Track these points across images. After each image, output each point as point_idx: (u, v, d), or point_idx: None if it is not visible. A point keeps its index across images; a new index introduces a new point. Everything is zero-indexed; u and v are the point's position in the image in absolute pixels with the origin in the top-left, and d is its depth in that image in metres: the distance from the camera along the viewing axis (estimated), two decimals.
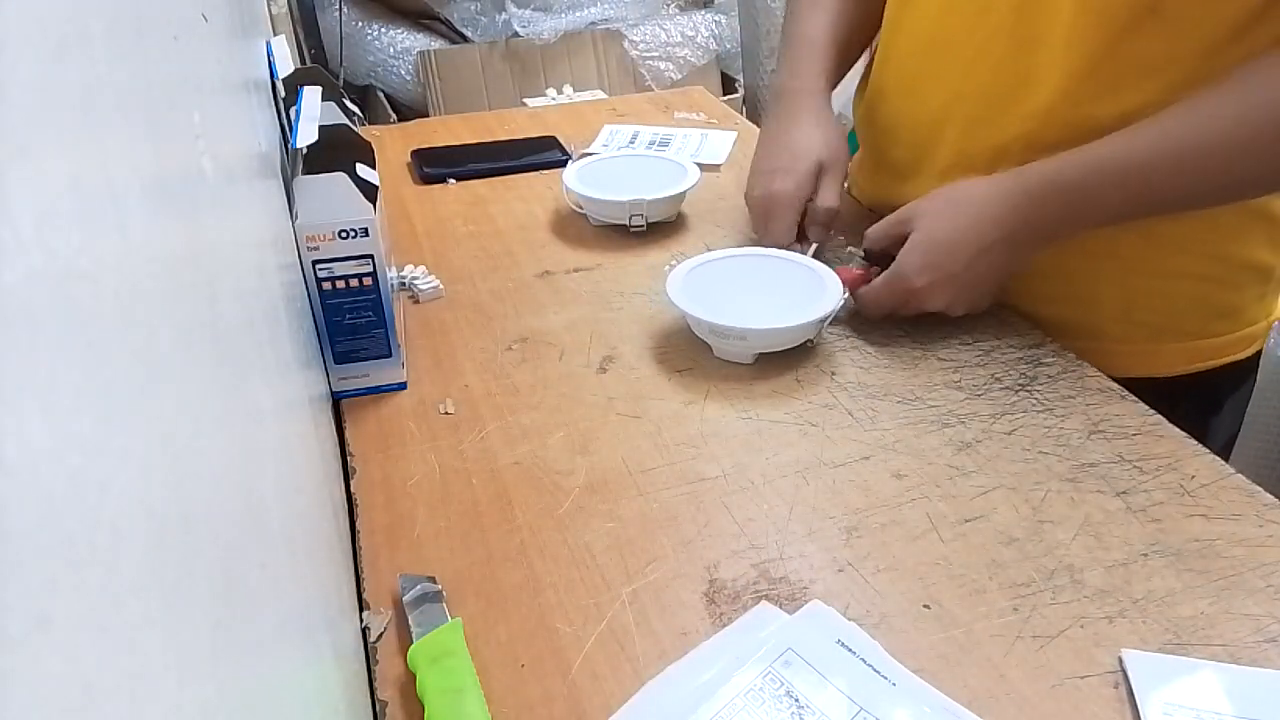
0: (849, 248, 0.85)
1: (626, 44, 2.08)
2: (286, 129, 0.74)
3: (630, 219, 0.92)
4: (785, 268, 0.77)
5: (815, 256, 0.80)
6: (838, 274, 0.75)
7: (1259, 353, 0.81)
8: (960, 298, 0.72)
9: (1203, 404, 0.79)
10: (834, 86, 0.87)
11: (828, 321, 0.72)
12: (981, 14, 0.72)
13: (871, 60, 0.89)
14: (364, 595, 0.54)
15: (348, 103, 1.44)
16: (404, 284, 0.83)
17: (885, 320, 0.77)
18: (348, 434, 0.67)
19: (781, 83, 0.87)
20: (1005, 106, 0.72)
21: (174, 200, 0.28)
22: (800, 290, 0.74)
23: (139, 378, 0.22)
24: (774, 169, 0.82)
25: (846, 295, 0.74)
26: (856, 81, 0.95)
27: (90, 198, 0.20)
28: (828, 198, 0.81)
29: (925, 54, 0.79)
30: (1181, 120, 0.63)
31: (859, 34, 0.89)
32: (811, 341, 0.73)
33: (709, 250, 0.80)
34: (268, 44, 0.79)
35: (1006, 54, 0.71)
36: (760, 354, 0.72)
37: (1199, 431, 0.64)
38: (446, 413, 0.68)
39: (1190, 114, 0.63)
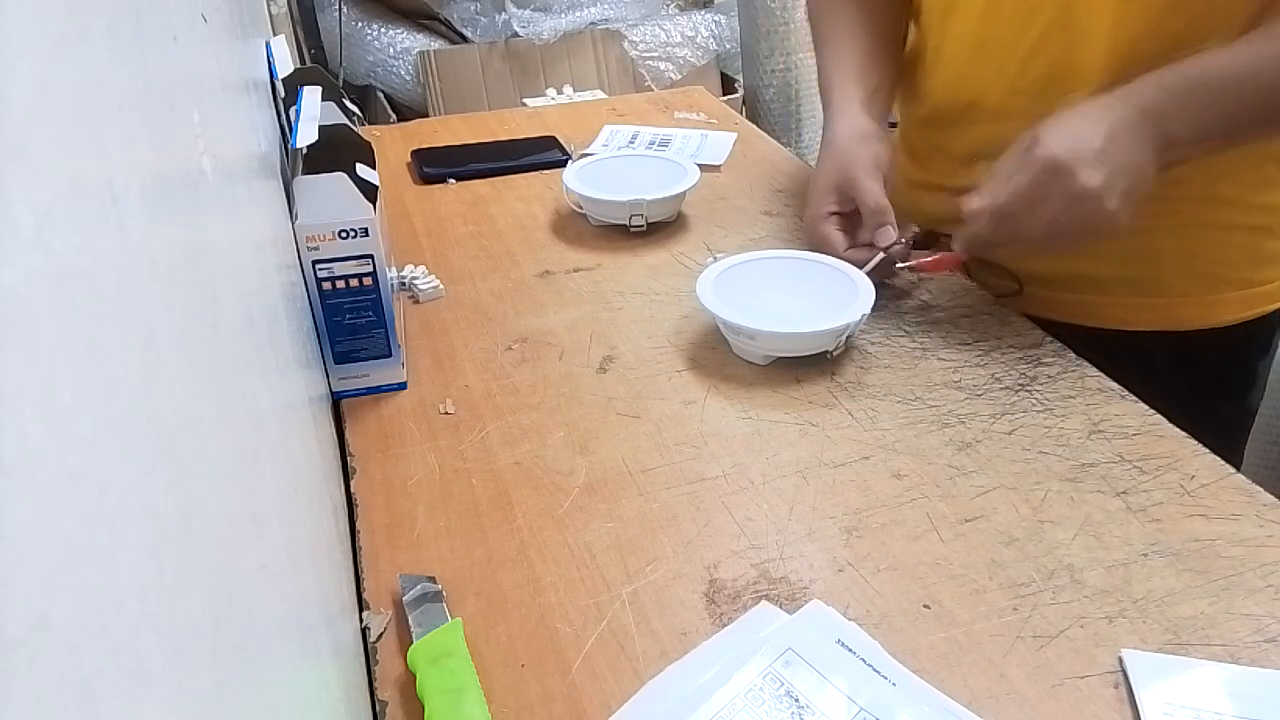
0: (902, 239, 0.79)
1: (626, 44, 2.08)
2: (286, 129, 0.74)
3: (630, 219, 0.92)
4: (830, 274, 0.77)
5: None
6: (923, 265, 0.76)
7: None
8: (1115, 175, 0.65)
9: (1259, 348, 0.84)
10: (871, 83, 0.86)
11: (847, 335, 0.71)
12: (1031, 13, 0.75)
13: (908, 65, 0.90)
14: (364, 595, 0.54)
15: (348, 103, 1.44)
16: (404, 284, 0.83)
17: (885, 320, 0.77)
18: (348, 434, 0.67)
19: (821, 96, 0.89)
20: (1056, 96, 0.73)
21: (174, 200, 0.28)
22: (833, 299, 0.73)
23: (139, 378, 0.22)
24: (808, 193, 0.83)
25: (866, 313, 0.71)
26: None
27: (90, 198, 0.20)
28: (866, 198, 0.78)
29: (975, 54, 0.80)
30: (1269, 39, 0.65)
31: (885, 27, 0.89)
32: (830, 353, 0.72)
33: (710, 250, 0.81)
34: (267, 44, 0.79)
35: (1058, 47, 0.74)
36: (776, 358, 0.72)
37: (1251, 377, 0.69)
38: (446, 413, 0.68)
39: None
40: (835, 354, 0.72)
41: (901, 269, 0.78)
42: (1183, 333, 0.79)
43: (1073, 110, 0.67)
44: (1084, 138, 0.65)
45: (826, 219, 0.80)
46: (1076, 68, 0.73)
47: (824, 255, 0.79)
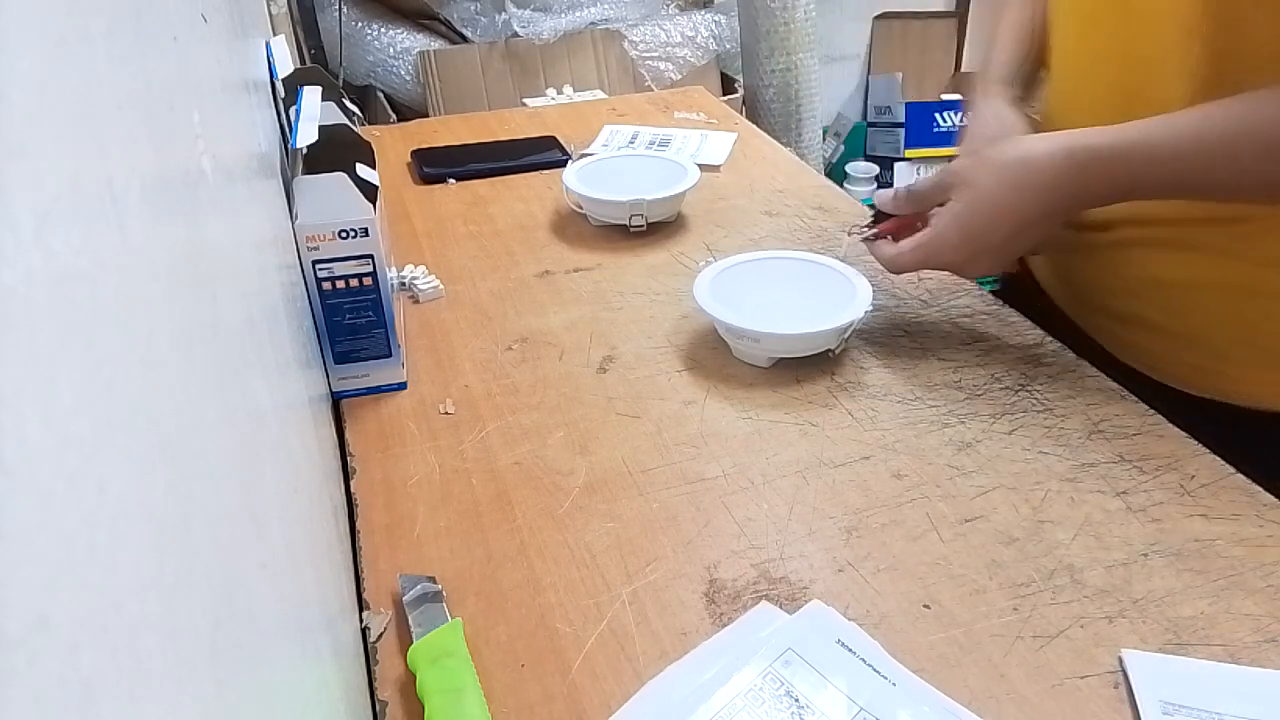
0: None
1: (626, 44, 2.08)
2: (286, 129, 0.74)
3: (630, 219, 0.92)
4: (821, 273, 0.77)
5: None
6: (878, 228, 0.75)
7: None
8: (993, 267, 0.71)
9: None
10: (1013, 75, 0.84)
11: (849, 332, 0.72)
12: (1109, 43, 0.71)
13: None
14: (364, 595, 0.54)
15: (348, 103, 1.44)
16: (404, 284, 0.83)
17: (885, 321, 0.77)
18: (348, 434, 0.67)
19: None
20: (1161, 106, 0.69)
21: (174, 200, 0.28)
22: (829, 298, 0.74)
23: (139, 378, 0.22)
24: None
25: (869, 309, 0.72)
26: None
27: (90, 198, 0.20)
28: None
29: (1067, 78, 0.79)
30: (1235, 107, 0.60)
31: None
32: (832, 351, 0.72)
33: (710, 250, 0.80)
34: (267, 44, 0.79)
35: (1134, 79, 0.70)
36: (779, 359, 0.72)
37: None
38: (446, 413, 0.68)
39: (1246, 104, 0.60)
40: (837, 352, 0.73)
41: (865, 233, 0.76)
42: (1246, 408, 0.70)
43: (998, 173, 0.66)
44: (980, 238, 0.67)
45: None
46: (1151, 98, 0.68)
47: (817, 255, 0.79)
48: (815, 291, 0.76)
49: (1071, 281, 0.82)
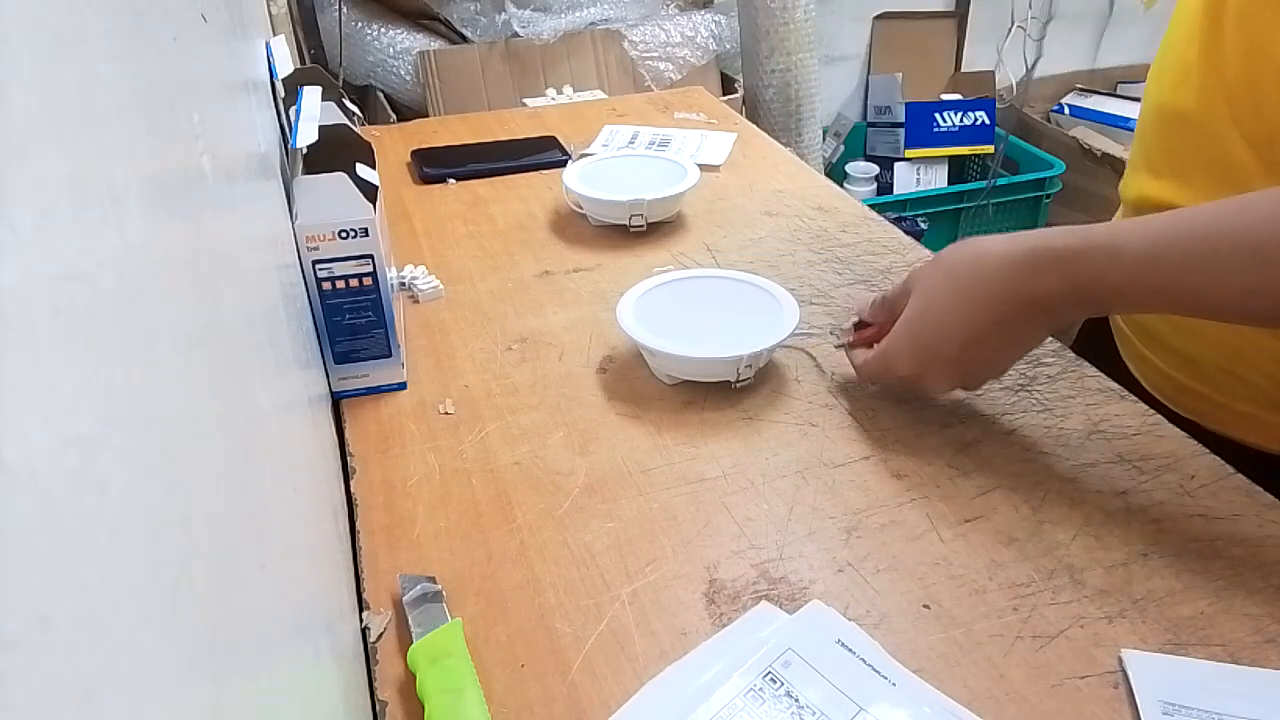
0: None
1: (626, 44, 2.08)
2: (286, 129, 0.74)
3: (630, 219, 0.92)
4: (765, 303, 0.73)
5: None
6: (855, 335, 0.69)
7: None
8: (966, 381, 0.63)
9: None
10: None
11: (746, 366, 0.68)
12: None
13: None
14: (364, 595, 0.54)
15: (348, 103, 1.44)
16: (404, 284, 0.83)
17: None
18: (348, 434, 0.67)
19: None
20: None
21: (174, 200, 0.28)
22: (756, 329, 0.69)
23: (139, 378, 0.22)
24: None
25: (766, 348, 0.67)
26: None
27: (90, 198, 0.20)
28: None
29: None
30: (1221, 208, 0.52)
31: None
32: (732, 383, 0.68)
33: (709, 250, 0.80)
34: (267, 44, 0.79)
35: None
36: (682, 381, 0.70)
37: None
38: (446, 413, 0.68)
39: (1234, 204, 0.51)
40: (737, 385, 0.69)
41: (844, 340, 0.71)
42: None
43: (951, 276, 0.59)
44: (934, 348, 0.60)
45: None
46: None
47: (775, 284, 0.75)
48: (745, 319, 0.71)
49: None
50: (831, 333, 0.71)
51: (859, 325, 0.69)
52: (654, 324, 0.70)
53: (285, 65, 0.77)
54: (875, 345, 0.65)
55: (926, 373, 0.62)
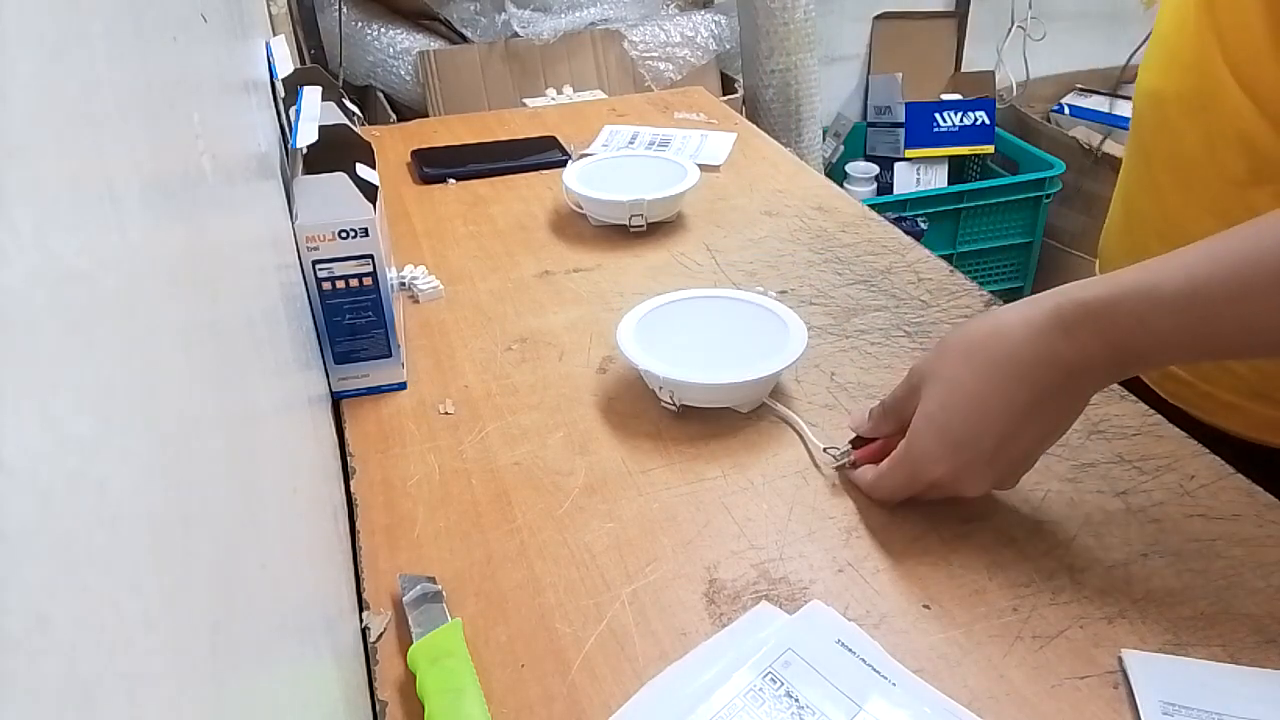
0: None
1: (626, 44, 2.08)
2: (286, 129, 0.74)
3: (630, 219, 0.92)
4: (765, 324, 0.70)
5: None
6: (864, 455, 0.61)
7: None
8: (1004, 475, 0.56)
9: None
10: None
11: (751, 395, 0.66)
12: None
13: None
14: (364, 595, 0.54)
15: (348, 103, 1.44)
16: (404, 284, 0.83)
17: (886, 321, 0.77)
18: (348, 434, 0.67)
19: None
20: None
21: (174, 200, 0.28)
22: (761, 356, 0.66)
23: (139, 378, 0.22)
24: None
25: (846, 453, 0.61)
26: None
27: (90, 198, 0.20)
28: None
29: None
30: (1256, 229, 0.47)
31: None
32: (741, 410, 0.66)
33: (709, 250, 0.80)
34: (267, 44, 0.79)
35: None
36: (686, 406, 0.66)
37: None
38: (446, 413, 0.68)
39: (1266, 223, 0.47)
40: (744, 411, 0.67)
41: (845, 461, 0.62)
42: None
43: (970, 359, 0.53)
44: (966, 444, 0.53)
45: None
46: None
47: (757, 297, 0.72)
48: (753, 347, 0.67)
49: None
50: (826, 450, 0.62)
51: (857, 442, 0.62)
52: (655, 348, 0.67)
53: (285, 65, 0.77)
54: (886, 460, 0.58)
55: (963, 471, 0.54)
